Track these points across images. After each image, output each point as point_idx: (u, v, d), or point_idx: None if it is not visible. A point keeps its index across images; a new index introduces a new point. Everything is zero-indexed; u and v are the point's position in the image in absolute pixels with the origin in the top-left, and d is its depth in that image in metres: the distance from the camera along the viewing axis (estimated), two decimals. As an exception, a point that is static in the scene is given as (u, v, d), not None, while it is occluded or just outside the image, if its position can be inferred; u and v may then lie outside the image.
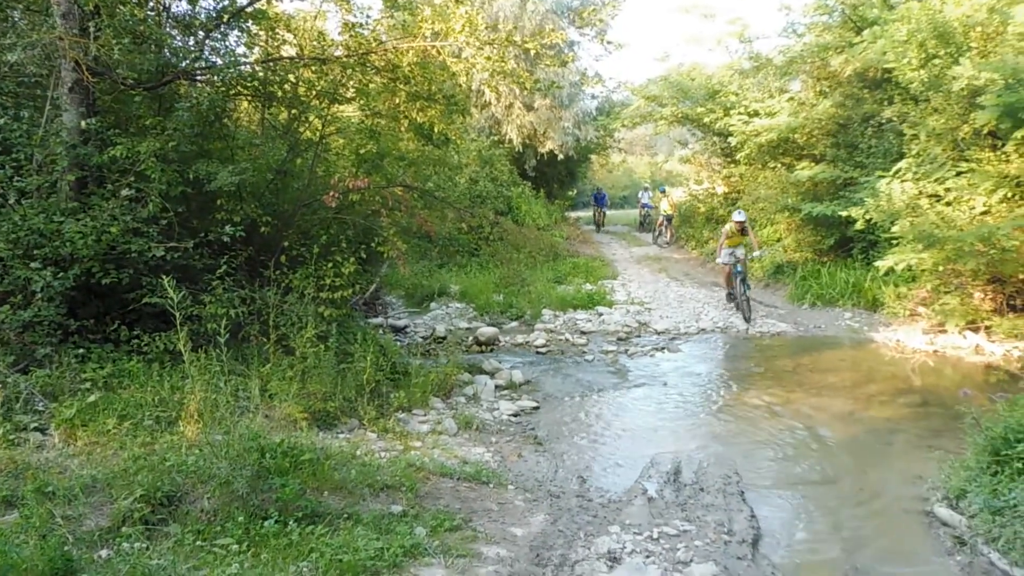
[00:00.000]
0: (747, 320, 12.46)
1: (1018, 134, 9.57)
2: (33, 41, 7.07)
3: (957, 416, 6.06)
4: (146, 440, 5.13)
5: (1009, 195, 10.12)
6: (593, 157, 33.82)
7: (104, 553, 3.77)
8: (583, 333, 11.87)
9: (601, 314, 13.05)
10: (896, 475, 6.19)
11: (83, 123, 7.07)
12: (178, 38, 8.89)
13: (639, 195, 31.08)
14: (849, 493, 5.94)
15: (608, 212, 31.72)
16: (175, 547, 3.91)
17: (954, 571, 4.59)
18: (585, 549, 4.66)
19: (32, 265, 6.26)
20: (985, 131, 10.68)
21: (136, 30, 7.73)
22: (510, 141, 24.88)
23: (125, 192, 7.04)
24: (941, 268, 10.52)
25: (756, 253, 13.28)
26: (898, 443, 7.03)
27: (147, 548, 3.84)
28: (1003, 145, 10.40)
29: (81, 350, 6.34)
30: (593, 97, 30.80)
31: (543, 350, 10.86)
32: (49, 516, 3.93)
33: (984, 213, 10.29)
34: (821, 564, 4.81)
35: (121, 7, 7.80)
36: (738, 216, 12.93)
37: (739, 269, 12.74)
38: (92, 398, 5.61)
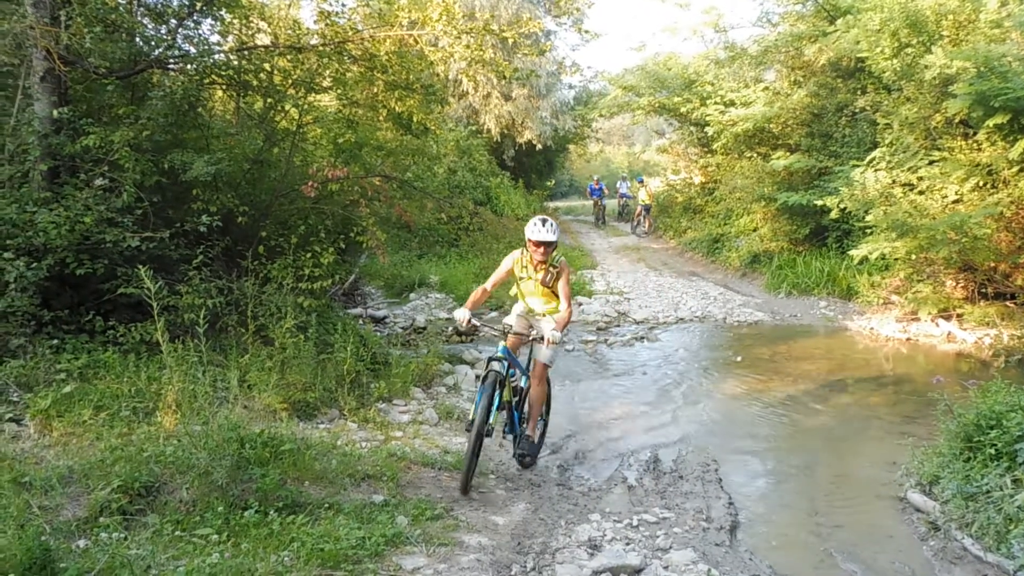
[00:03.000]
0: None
1: (990, 122, 9.71)
2: (4, 31, 6.94)
3: (930, 403, 6.16)
4: (123, 431, 5.08)
5: (980, 183, 10.27)
6: (571, 147, 33.84)
7: (82, 543, 3.74)
8: (562, 323, 11.89)
9: (581, 304, 13.09)
10: (870, 461, 6.28)
11: (55, 112, 6.96)
12: (150, 26, 8.77)
13: (617, 185, 31.17)
14: (824, 479, 6.02)
15: (596, 203, 29.32)
16: (154, 537, 3.88)
17: (927, 556, 4.67)
18: (566, 537, 4.69)
19: (5, 255, 6.16)
20: (957, 120, 10.82)
21: (108, 18, 7.60)
22: (488, 131, 24.84)
23: (99, 182, 6.95)
24: (914, 257, 10.67)
25: (556, 333, 5.48)
26: (872, 430, 7.13)
27: (125, 538, 3.81)
28: (975, 133, 10.55)
29: (55, 341, 6.27)
30: (570, 87, 30.89)
31: (523, 340, 10.86)
32: (26, 506, 3.88)
33: (956, 201, 10.44)
34: (797, 549, 4.87)
35: (92, -5, 7.68)
36: (537, 232, 5.52)
37: (514, 369, 5.68)
38: (67, 389, 5.55)
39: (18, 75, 7.38)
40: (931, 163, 10.92)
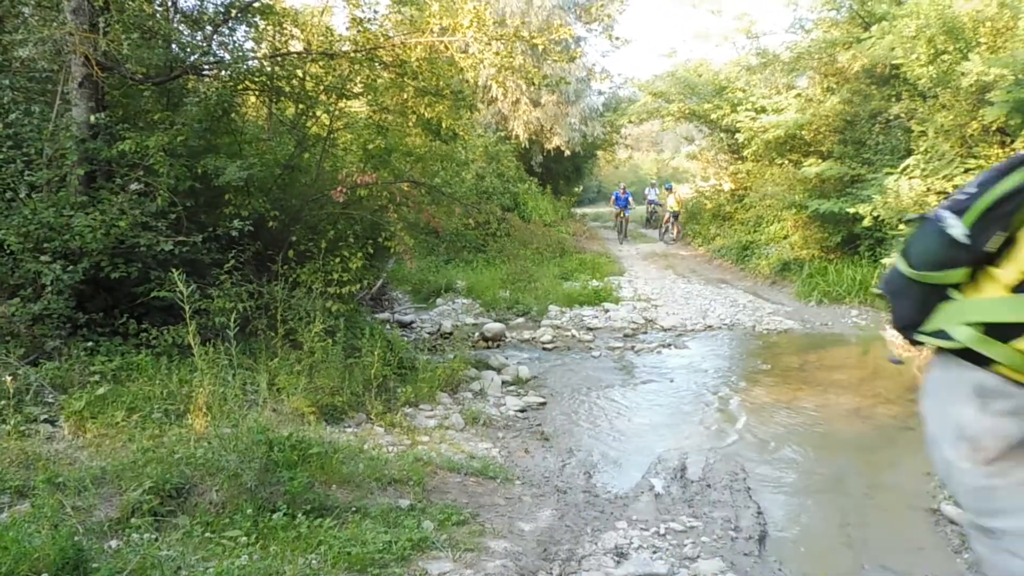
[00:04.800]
0: None
1: (1028, 131, 9.54)
2: (44, 37, 7.10)
3: (965, 413, 6.04)
4: (155, 433, 5.14)
5: (1018, 193, 10.08)
6: (599, 153, 33.80)
7: (114, 544, 3.79)
8: (589, 329, 11.87)
9: (608, 310, 13.05)
10: (903, 472, 6.18)
11: (92, 118, 7.09)
12: (186, 33, 8.91)
13: (645, 192, 31.04)
14: (855, 489, 5.93)
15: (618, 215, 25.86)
16: (184, 538, 3.92)
17: (961, 569, 4.58)
18: (592, 544, 4.67)
19: (42, 258, 6.28)
20: (994, 128, 10.64)
21: (145, 25, 7.76)
22: (516, 137, 24.88)
23: (134, 186, 7.07)
24: (949, 266, 10.49)
25: None
26: (905, 440, 7.02)
27: (156, 539, 3.85)
28: (1012, 142, 10.37)
29: (90, 343, 6.37)
30: (600, 93, 30.88)
31: (549, 346, 10.87)
32: (59, 506, 3.93)
33: (992, 211, 10.25)
34: (827, 560, 4.80)
35: (130, 2, 7.83)
36: None
37: None
38: (101, 390, 5.62)
39: (57, 81, 7.54)
40: (967, 171, 10.75)
